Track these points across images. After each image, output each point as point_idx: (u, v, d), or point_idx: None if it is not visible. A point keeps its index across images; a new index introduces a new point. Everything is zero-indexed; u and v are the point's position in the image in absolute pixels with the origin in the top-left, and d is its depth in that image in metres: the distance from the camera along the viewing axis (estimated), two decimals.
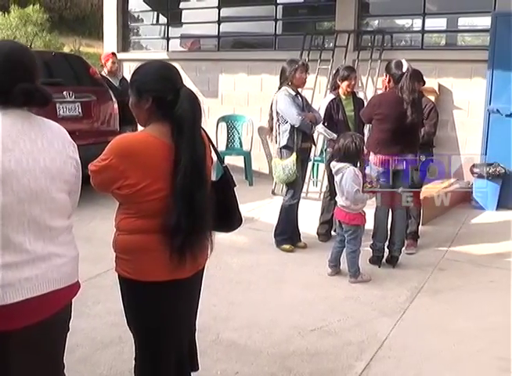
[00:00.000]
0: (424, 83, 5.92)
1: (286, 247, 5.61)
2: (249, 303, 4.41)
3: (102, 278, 4.62)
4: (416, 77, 5.21)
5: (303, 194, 7.29)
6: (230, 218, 2.66)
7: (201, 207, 2.30)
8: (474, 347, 3.79)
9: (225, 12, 9.74)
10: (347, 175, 4.78)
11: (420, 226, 5.90)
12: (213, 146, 2.58)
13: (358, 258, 4.92)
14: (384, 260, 5.30)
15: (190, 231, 2.27)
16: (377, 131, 5.14)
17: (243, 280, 4.85)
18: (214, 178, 2.59)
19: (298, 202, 5.71)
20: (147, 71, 2.40)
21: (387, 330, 3.98)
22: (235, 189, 2.67)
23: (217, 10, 9.72)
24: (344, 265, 5.00)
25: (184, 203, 2.24)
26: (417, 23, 8.51)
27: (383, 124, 5.06)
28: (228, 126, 9.00)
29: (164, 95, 2.29)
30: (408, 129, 5.00)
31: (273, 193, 7.57)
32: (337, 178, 4.91)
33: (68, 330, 2.20)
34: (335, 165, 4.91)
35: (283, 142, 5.43)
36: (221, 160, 2.80)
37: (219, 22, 9.74)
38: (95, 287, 4.44)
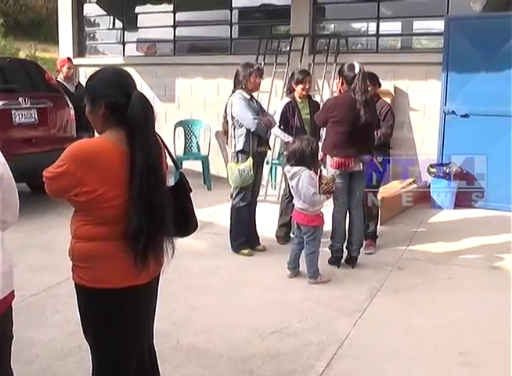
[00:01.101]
0: (380, 85, 5.97)
1: (245, 251, 5.57)
2: (209, 307, 4.37)
3: (60, 287, 4.48)
4: (369, 78, 5.26)
5: (261, 197, 7.29)
6: (186, 223, 2.63)
7: (161, 210, 2.29)
8: (434, 343, 3.82)
9: (181, 16, 9.67)
10: (303, 178, 4.77)
11: (378, 226, 5.94)
12: (168, 151, 2.56)
13: (317, 259, 4.91)
14: (343, 260, 5.30)
15: (152, 234, 2.27)
16: (333, 133, 5.15)
17: (202, 285, 4.80)
18: (170, 183, 2.56)
19: (253, 205, 5.72)
20: (99, 78, 2.40)
21: (347, 330, 3.98)
22: (192, 194, 2.65)
23: (172, 14, 9.65)
24: (303, 266, 4.98)
25: (143, 206, 2.23)
26: (372, 27, 8.59)
27: (338, 127, 5.08)
28: (185, 131, 8.93)
29: (116, 100, 2.28)
30: (363, 131, 5.02)
31: (231, 197, 7.51)
32: (292, 183, 4.90)
33: (12, 337, 2.11)
34: (289, 170, 4.90)
35: (239, 146, 5.38)
36: (176, 165, 2.80)
37: (175, 26, 9.68)
38: (53, 297, 4.35)
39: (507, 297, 4.58)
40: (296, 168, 4.83)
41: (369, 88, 5.26)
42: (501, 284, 4.86)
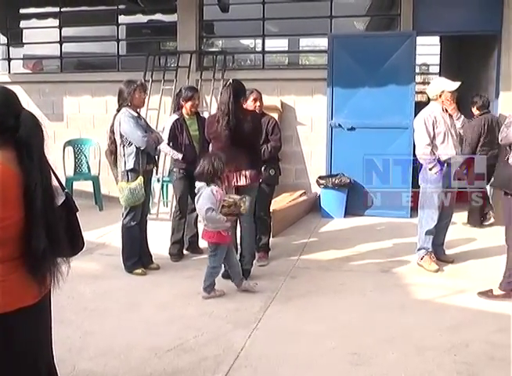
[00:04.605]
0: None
1: (138, 271, 5.47)
2: (104, 330, 4.26)
3: None
4: (241, 95, 5.28)
5: (153, 215, 7.22)
6: (74, 242, 2.58)
7: (56, 229, 2.28)
8: (327, 346, 3.92)
9: (67, 31, 9.43)
10: (204, 193, 4.75)
11: (270, 238, 6.01)
12: (53, 171, 2.50)
13: (216, 275, 4.93)
14: None
15: (50, 253, 2.24)
16: (214, 149, 5.20)
17: (97, 308, 4.68)
18: (57, 203, 2.50)
19: (144, 224, 5.65)
20: None
21: (242, 341, 4.00)
22: (79, 213, 2.61)
23: (58, 30, 9.37)
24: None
25: (42, 226, 2.19)
26: (259, 44, 8.78)
27: (216, 143, 5.16)
28: (75, 150, 8.69)
29: (4, 120, 2.21)
30: (243, 146, 5.02)
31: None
32: (196, 198, 4.88)
33: None
34: (197, 185, 4.88)
35: (130, 165, 5.28)
36: (62, 185, 2.73)
37: (61, 42, 9.40)
38: None
39: (396, 297, 4.82)
40: (200, 184, 4.81)
41: (251, 104, 5.48)
42: (390, 286, 5.10)
